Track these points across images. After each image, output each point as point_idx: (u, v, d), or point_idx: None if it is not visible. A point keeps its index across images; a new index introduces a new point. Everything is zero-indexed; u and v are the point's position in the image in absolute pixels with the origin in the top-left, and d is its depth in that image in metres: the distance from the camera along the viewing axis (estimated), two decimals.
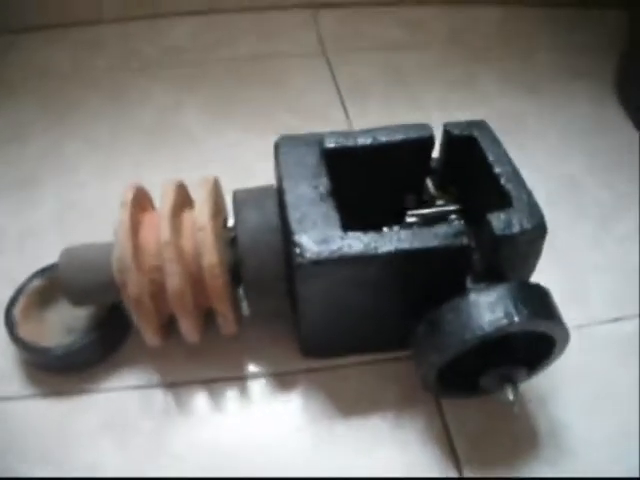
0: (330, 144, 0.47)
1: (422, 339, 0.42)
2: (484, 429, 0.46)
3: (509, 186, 0.44)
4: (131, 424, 0.46)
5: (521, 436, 0.46)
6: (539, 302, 0.40)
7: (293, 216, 0.42)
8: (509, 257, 0.43)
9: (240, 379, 0.49)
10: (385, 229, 0.46)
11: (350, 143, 0.47)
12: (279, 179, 0.45)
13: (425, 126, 0.48)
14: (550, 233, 0.42)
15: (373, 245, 0.40)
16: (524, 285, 0.40)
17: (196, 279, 0.43)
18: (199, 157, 0.66)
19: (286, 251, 0.42)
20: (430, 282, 0.42)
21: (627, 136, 0.69)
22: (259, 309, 0.45)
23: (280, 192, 0.44)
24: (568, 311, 0.41)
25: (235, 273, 0.44)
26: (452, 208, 0.48)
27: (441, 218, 0.48)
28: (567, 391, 0.48)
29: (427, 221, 0.48)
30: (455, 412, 0.47)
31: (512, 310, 0.38)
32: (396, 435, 0.46)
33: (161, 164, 0.65)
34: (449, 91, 0.74)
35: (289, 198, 0.43)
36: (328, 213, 0.42)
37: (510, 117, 0.70)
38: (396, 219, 0.48)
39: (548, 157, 0.66)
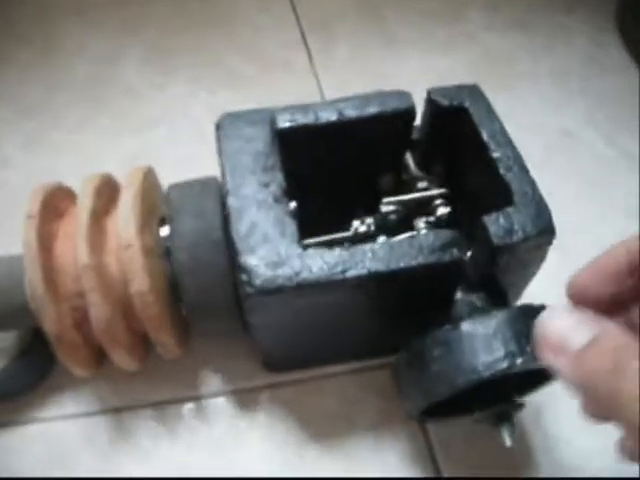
0: (284, 123, 0.35)
1: (404, 374, 0.33)
2: (472, 448, 0.39)
3: (509, 176, 0.34)
4: (73, 457, 0.38)
5: (514, 454, 0.39)
6: None
7: (238, 228, 0.32)
8: (508, 267, 0.33)
9: (195, 399, 0.40)
10: (356, 225, 0.37)
11: (310, 120, 0.36)
12: (222, 174, 0.34)
13: (404, 95, 0.37)
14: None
15: (340, 268, 0.30)
16: (527, 311, 0.31)
17: (127, 305, 0.33)
18: (141, 117, 0.54)
19: (233, 270, 0.33)
20: (412, 302, 0.33)
21: (629, 78, 0.58)
22: (204, 333, 0.36)
23: (222, 193, 0.34)
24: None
25: (176, 287, 0.35)
26: (437, 192, 0.38)
27: (424, 205, 0.38)
28: (562, 405, 0.40)
29: (407, 209, 0.38)
30: (440, 431, 0.39)
31: (514, 348, 0.29)
32: (375, 459, 0.38)
33: (99, 128, 0.53)
34: (429, 26, 0.61)
35: (233, 202, 0.33)
36: (283, 221, 0.32)
37: (498, 56, 0.58)
38: (369, 206, 0.38)
39: (541, 106, 0.55)
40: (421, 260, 0.31)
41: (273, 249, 0.31)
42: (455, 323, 0.31)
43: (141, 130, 0.53)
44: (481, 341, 0.30)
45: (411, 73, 0.56)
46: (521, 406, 0.33)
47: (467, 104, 0.36)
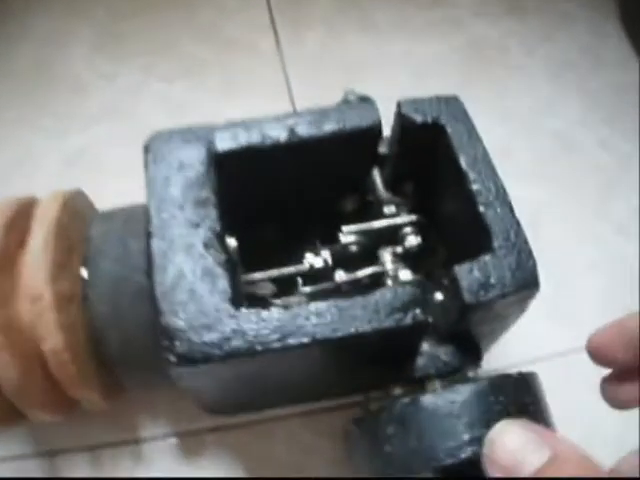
0: (223, 144, 0.29)
1: (355, 447, 0.28)
2: None
3: (489, 215, 0.27)
4: None
5: None
6: (524, 409, 0.25)
7: (161, 281, 0.26)
8: (482, 320, 0.28)
9: (134, 442, 0.35)
10: (310, 259, 0.31)
11: (255, 140, 0.29)
12: (147, 209, 0.28)
13: (367, 109, 0.30)
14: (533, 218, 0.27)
15: (279, 334, 0.24)
16: (500, 384, 0.25)
17: (43, 361, 0.27)
18: (87, 112, 0.46)
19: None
20: (367, 363, 0.28)
21: (629, 73, 0.50)
22: (134, 385, 0.30)
23: (146, 232, 0.27)
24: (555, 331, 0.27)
25: (98, 340, 0.29)
26: (406, 220, 0.32)
27: (391, 233, 0.32)
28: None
29: (371, 239, 0.32)
30: None
31: (480, 433, 0.23)
32: None
33: (39, 123, 0.46)
34: (412, 9, 0.53)
35: (157, 246, 0.26)
36: (213, 274, 0.26)
37: (487, 45, 0.50)
38: (329, 232, 0.32)
39: (533, 103, 0.48)
40: (376, 325, 0.25)
41: (201, 308, 0.25)
42: (414, 394, 0.26)
43: (87, 126, 0.46)
44: (443, 421, 0.24)
45: (391, 62, 0.49)
46: None
47: (444, 121, 0.30)
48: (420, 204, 0.33)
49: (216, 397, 0.29)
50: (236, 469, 0.34)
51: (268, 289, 0.32)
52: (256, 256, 0.31)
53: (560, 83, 0.48)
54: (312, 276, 0.32)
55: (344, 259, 0.33)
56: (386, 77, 0.45)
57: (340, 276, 0.32)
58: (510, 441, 0.20)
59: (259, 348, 0.24)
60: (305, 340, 0.24)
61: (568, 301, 0.40)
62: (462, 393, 0.25)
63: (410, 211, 0.33)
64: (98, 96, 0.47)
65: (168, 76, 0.48)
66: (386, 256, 0.32)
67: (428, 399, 0.25)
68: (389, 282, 0.31)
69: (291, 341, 0.24)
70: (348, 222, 0.32)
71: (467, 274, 0.26)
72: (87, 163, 0.44)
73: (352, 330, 0.25)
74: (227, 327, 0.25)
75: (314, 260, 0.32)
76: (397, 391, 0.28)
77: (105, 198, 0.33)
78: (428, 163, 0.32)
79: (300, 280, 0.32)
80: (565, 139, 0.46)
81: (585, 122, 0.46)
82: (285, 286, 0.32)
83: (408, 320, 0.25)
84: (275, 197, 0.32)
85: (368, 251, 0.33)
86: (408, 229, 0.32)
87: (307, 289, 0.31)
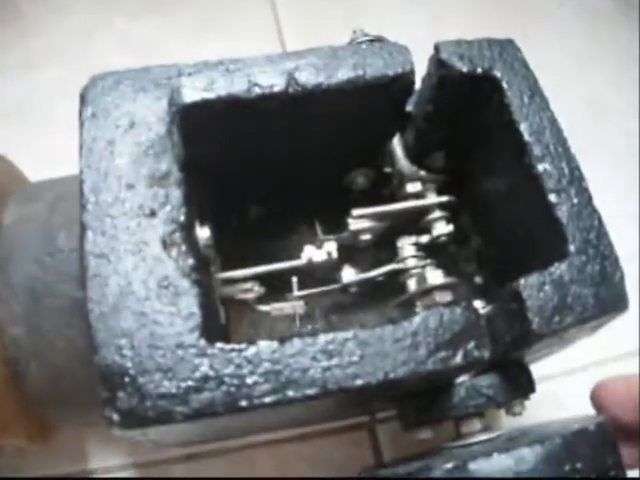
0: (193, 94, 0.19)
1: None
2: None
3: (562, 208, 0.18)
4: None
5: None
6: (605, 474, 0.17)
7: (97, 299, 0.16)
8: (543, 348, 0.19)
9: (84, 476, 0.26)
10: (309, 252, 0.22)
11: (237, 89, 0.19)
12: (80, 189, 0.18)
13: (396, 51, 0.20)
14: None
15: (272, 384, 0.15)
16: (579, 441, 0.17)
17: None
18: (29, 54, 0.35)
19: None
20: (388, 402, 0.19)
21: None
22: (67, 425, 0.21)
23: (80, 224, 0.18)
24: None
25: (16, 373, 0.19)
26: (435, 201, 0.23)
27: (414, 218, 0.23)
28: None
29: (388, 225, 0.23)
30: None
31: None
32: None
33: None
34: None
35: (92, 245, 0.17)
36: (176, 288, 0.16)
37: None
38: (334, 217, 0.23)
39: (566, 60, 0.38)
40: (413, 367, 0.16)
41: (156, 342, 0.16)
42: (457, 448, 0.18)
43: (29, 71, 0.35)
44: None
45: (401, 2, 0.38)
46: None
47: (499, 72, 0.20)
48: (452, 180, 0.24)
49: (181, 443, 0.21)
50: None
51: (253, 291, 0.23)
52: (237, 248, 0.22)
53: (593, 36, 0.38)
54: (309, 274, 0.23)
55: (352, 252, 0.24)
56: (395, 19, 0.35)
57: (348, 275, 0.23)
58: None
59: (243, 404, 0.16)
60: (311, 392, 0.16)
61: None
62: (527, 454, 0.17)
63: (439, 191, 0.24)
64: (43, 34, 0.36)
65: (131, 12, 0.37)
66: (406, 248, 0.23)
67: (479, 464, 0.17)
68: (411, 284, 0.23)
69: (290, 393, 0.16)
70: (358, 204, 0.23)
71: (535, 291, 0.17)
72: (24, 118, 0.33)
73: (380, 376, 0.16)
74: (196, 371, 0.16)
75: (314, 253, 0.23)
76: (425, 434, 0.20)
77: (45, 166, 0.23)
78: (469, 131, 0.22)
79: (295, 280, 0.23)
80: (597, 103, 0.37)
81: (618, 87, 0.37)
82: (275, 287, 0.23)
83: (458, 359, 0.16)
84: (263, 169, 0.22)
85: (382, 241, 0.24)
86: (437, 214, 0.23)
87: (304, 292, 0.23)
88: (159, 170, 0.18)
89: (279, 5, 0.39)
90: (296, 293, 0.23)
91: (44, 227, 0.18)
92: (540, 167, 0.19)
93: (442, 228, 0.23)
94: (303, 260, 0.23)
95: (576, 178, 0.19)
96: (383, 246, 0.24)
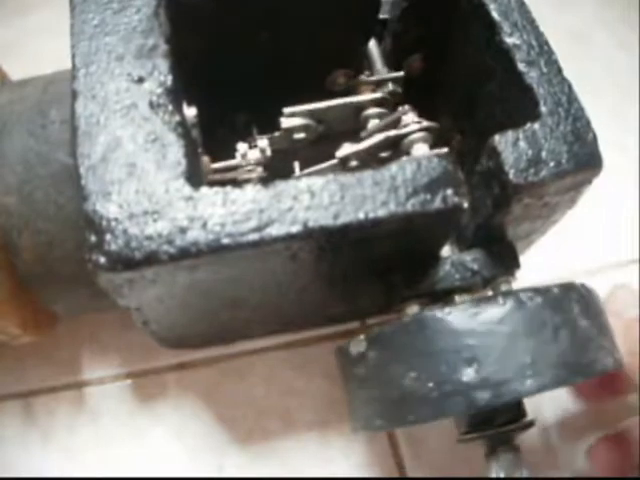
0: None
1: (352, 380, 0.20)
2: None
3: (532, 75, 0.19)
4: None
5: None
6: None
7: (87, 153, 0.17)
8: (525, 214, 0.20)
9: (76, 387, 0.26)
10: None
11: None
12: (72, 64, 0.19)
13: None
14: None
15: (255, 222, 0.16)
16: (563, 296, 0.18)
17: None
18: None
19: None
20: (374, 266, 0.19)
21: None
22: (61, 309, 0.22)
23: (72, 91, 0.19)
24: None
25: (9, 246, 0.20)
26: (368, 98, 0.23)
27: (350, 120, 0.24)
28: None
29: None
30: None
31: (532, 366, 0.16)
32: (321, 468, 0.25)
33: None
34: None
35: (83, 109, 0.17)
36: (163, 141, 0.17)
37: None
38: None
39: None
40: (393, 208, 0.17)
41: (143, 188, 0.16)
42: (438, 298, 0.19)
43: (19, 12, 0.36)
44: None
45: None
46: (530, 425, 0.21)
47: None
48: (429, 82, 0.25)
49: (171, 322, 0.21)
50: (203, 416, 0.26)
51: (255, 172, 0.23)
52: (223, 143, 0.23)
53: None
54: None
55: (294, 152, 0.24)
56: None
57: (345, 149, 0.22)
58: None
59: (227, 242, 0.16)
60: (293, 230, 0.16)
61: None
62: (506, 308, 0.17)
63: (415, 93, 0.24)
64: None
65: None
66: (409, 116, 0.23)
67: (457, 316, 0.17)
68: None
69: (273, 231, 0.16)
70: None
71: (511, 146, 0.18)
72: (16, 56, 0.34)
73: (360, 216, 0.16)
74: (181, 213, 0.16)
75: (248, 151, 0.23)
76: (413, 309, 0.21)
77: None
78: (441, 23, 0.23)
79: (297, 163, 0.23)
80: (580, 37, 0.38)
81: (600, 20, 0.38)
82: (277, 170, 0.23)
83: (437, 203, 0.17)
84: (248, 69, 0.23)
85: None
86: (411, 118, 0.24)
87: (304, 171, 0.23)
88: (147, 44, 0.19)
89: None
90: (297, 174, 0.23)
91: (36, 104, 0.19)
92: (509, 41, 0.20)
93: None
94: (237, 158, 0.22)
95: (545, 52, 0.20)
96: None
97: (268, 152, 0.22)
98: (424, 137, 0.21)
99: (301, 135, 0.23)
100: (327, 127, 0.24)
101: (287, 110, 0.23)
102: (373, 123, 0.23)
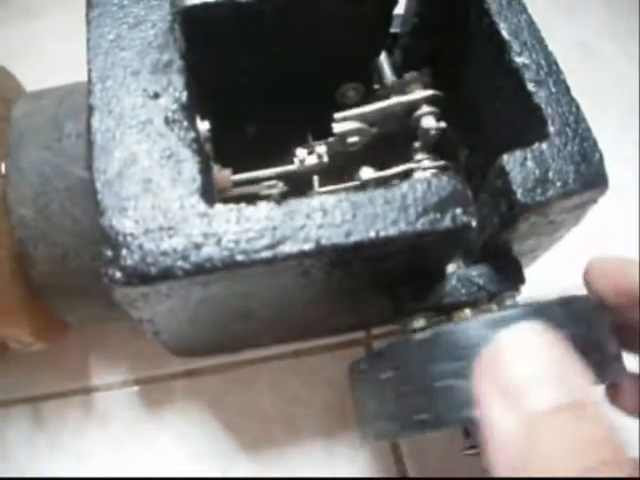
0: None
1: (363, 390, 0.20)
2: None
3: (540, 94, 0.19)
4: None
5: None
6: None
7: (103, 168, 0.17)
8: (531, 231, 0.20)
9: (84, 392, 0.27)
10: (301, 154, 0.23)
11: None
12: (88, 78, 0.19)
13: None
14: None
15: (268, 239, 0.17)
16: (554, 310, 0.18)
17: None
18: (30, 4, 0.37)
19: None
20: (383, 282, 0.20)
21: None
22: (73, 318, 0.22)
23: (88, 106, 0.19)
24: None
25: (24, 257, 0.20)
26: (422, 95, 0.24)
27: (402, 118, 0.24)
28: None
29: (377, 130, 0.24)
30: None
31: None
32: (326, 474, 0.26)
33: None
34: None
35: (99, 124, 0.18)
36: (178, 157, 0.17)
37: None
38: (323, 130, 0.24)
39: (552, 11, 0.40)
40: (403, 227, 0.17)
41: (159, 204, 0.17)
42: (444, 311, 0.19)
43: (28, 15, 0.36)
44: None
45: None
46: None
47: None
48: (444, 96, 0.25)
49: (181, 332, 0.21)
50: (209, 423, 0.27)
51: (276, 187, 0.24)
52: (231, 156, 0.23)
53: None
54: (302, 181, 0.24)
55: (341, 158, 0.25)
56: None
57: (367, 173, 0.23)
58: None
59: (241, 258, 0.16)
60: (306, 247, 0.16)
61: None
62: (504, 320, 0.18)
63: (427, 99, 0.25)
64: None
65: None
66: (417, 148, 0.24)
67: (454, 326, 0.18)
68: None
69: (286, 249, 0.16)
70: None
71: (519, 166, 0.18)
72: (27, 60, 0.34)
73: (371, 234, 0.17)
74: (196, 229, 0.16)
75: (306, 157, 0.24)
76: (419, 322, 0.21)
77: None
78: (452, 40, 0.24)
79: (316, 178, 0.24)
80: (588, 49, 0.38)
81: (608, 32, 0.38)
82: (297, 186, 0.24)
83: (447, 222, 0.17)
84: (259, 83, 0.23)
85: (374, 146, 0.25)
86: (425, 109, 0.24)
87: (324, 189, 0.23)
88: (162, 60, 0.19)
89: None
90: (317, 189, 0.24)
91: (52, 117, 0.19)
92: (519, 60, 0.20)
93: (429, 122, 0.24)
94: (296, 163, 0.24)
95: (554, 71, 0.20)
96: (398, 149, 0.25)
97: (325, 158, 0.23)
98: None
99: (355, 139, 0.24)
100: (380, 129, 0.24)
101: (338, 115, 0.23)
102: (427, 121, 0.23)
